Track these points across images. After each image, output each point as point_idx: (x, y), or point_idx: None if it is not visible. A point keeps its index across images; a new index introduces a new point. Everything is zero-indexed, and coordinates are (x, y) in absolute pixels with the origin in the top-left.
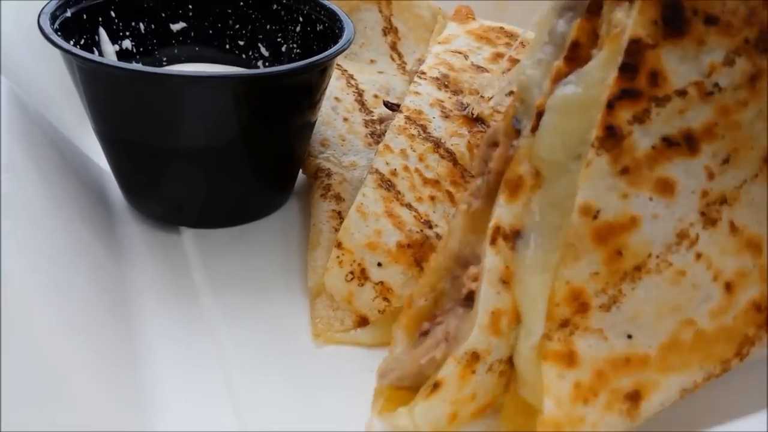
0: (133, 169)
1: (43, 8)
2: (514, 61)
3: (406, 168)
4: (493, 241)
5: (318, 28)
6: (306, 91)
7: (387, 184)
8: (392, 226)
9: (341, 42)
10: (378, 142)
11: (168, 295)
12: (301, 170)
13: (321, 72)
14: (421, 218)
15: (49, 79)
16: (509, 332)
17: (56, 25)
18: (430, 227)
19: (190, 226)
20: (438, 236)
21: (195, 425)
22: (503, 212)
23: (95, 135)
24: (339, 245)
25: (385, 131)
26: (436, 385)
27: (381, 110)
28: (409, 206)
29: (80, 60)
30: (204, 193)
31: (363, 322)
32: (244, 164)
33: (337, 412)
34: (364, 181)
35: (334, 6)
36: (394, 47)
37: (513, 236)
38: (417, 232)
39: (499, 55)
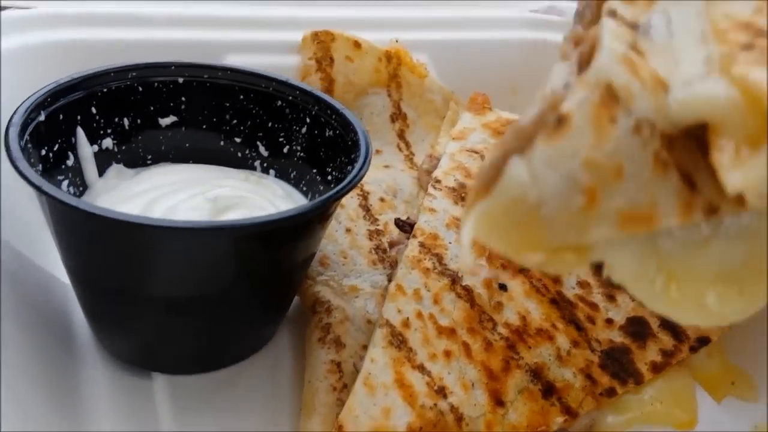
0: (103, 310)
1: (13, 115)
2: None
3: (419, 315)
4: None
5: (327, 134)
6: (310, 230)
7: (398, 339)
8: (402, 402)
9: (355, 169)
10: (383, 260)
11: None
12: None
13: (330, 209)
14: (435, 384)
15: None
16: (652, 85)
17: (27, 136)
18: (444, 396)
19: (163, 372)
20: (453, 408)
21: None
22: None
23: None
24: (340, 429)
25: (396, 260)
26: (561, 121)
27: (386, 216)
28: (421, 368)
29: (49, 198)
30: (182, 340)
31: None
32: (230, 310)
33: None
34: (373, 339)
35: (348, 112)
36: (401, 135)
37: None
38: (430, 408)
39: None
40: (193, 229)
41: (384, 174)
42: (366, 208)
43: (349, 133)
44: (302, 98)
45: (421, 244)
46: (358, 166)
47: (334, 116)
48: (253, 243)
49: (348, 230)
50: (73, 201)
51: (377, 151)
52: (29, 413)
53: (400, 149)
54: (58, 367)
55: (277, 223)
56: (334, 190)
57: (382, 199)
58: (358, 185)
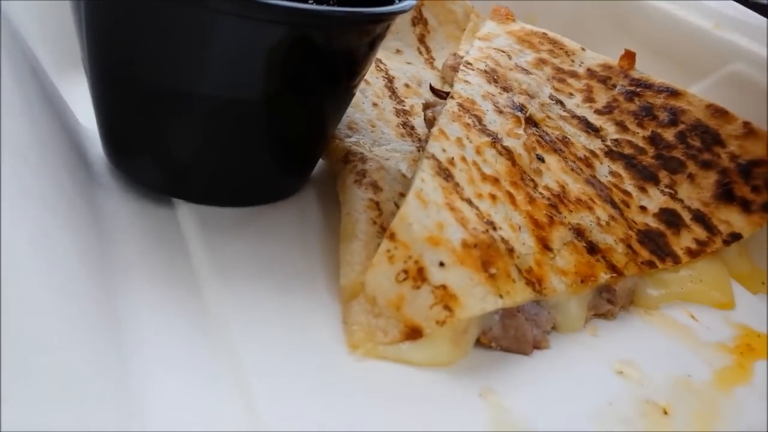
0: (133, 119)
1: None
2: (560, 71)
3: (463, 159)
4: None
5: None
6: (362, 49)
7: (445, 173)
8: (455, 222)
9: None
10: (411, 135)
11: (162, 280)
12: (321, 158)
13: (384, 30)
14: (484, 217)
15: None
16: None
17: None
18: (495, 229)
19: (189, 200)
20: (503, 240)
21: None
22: None
23: (89, 75)
24: (392, 237)
25: (433, 118)
26: None
27: (413, 101)
28: (469, 202)
29: None
30: (214, 158)
31: (414, 334)
32: (270, 128)
33: None
34: (420, 167)
35: None
36: (422, 40)
37: None
38: (483, 231)
39: (542, 61)
40: (258, 5)
41: (407, 67)
42: (392, 90)
43: None
44: None
45: (460, 105)
46: None
47: None
48: (316, 36)
49: (375, 105)
50: None
51: (398, 51)
52: (50, 246)
53: (420, 53)
54: (76, 197)
55: (346, 18)
56: (400, 5)
57: (407, 85)
58: (383, 69)
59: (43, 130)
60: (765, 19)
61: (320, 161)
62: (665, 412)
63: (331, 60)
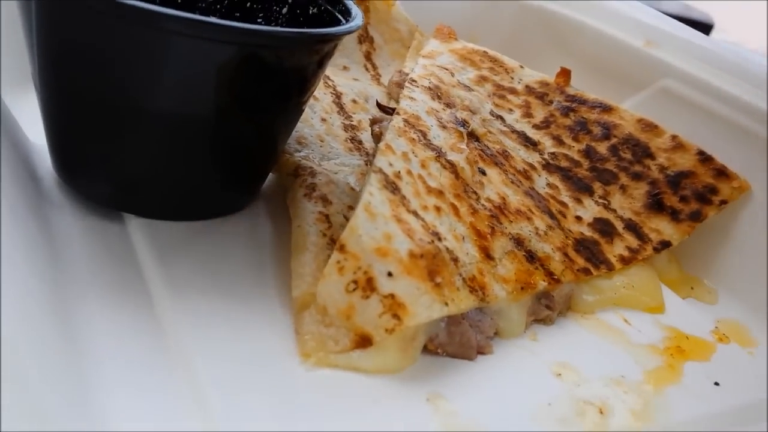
0: (83, 135)
1: None
2: (500, 87)
3: (409, 172)
4: None
5: (311, 11)
6: (311, 67)
7: (392, 186)
8: (402, 233)
9: (354, 21)
10: (359, 149)
11: (114, 295)
12: (271, 172)
13: (332, 49)
14: (429, 229)
15: None
16: None
17: None
18: (440, 239)
19: (140, 214)
20: (448, 250)
21: None
22: None
23: (39, 91)
24: (342, 248)
25: (380, 133)
26: None
27: (361, 116)
28: (415, 214)
29: None
30: (166, 173)
31: (364, 342)
32: (221, 144)
33: None
34: (367, 179)
35: None
36: (368, 57)
37: None
38: (428, 242)
39: (483, 78)
40: (212, 26)
41: (354, 83)
42: (340, 105)
43: (337, 5)
44: None
45: (406, 120)
46: (354, 14)
47: None
48: (267, 55)
49: (323, 120)
50: None
51: (345, 67)
52: (1, 263)
53: (366, 69)
54: (26, 212)
55: (295, 38)
56: (347, 25)
57: (354, 101)
58: (331, 85)
59: None
60: (701, 34)
61: (270, 175)
62: (600, 411)
63: (281, 78)
